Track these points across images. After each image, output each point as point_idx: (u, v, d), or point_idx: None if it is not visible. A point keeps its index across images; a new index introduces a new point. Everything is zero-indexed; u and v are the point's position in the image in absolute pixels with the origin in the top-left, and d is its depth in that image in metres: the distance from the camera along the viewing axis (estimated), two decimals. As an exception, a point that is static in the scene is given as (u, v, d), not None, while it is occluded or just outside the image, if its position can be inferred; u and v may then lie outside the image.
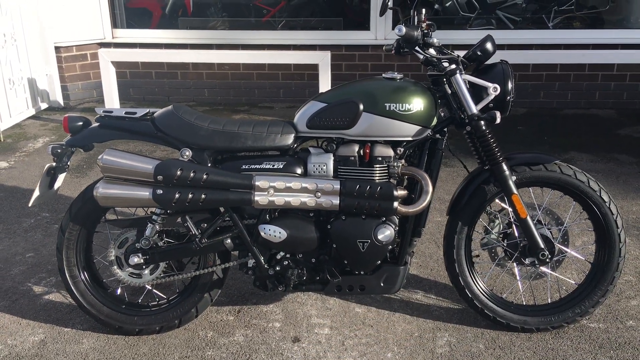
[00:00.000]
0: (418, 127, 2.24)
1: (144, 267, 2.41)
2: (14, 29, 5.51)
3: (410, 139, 2.25)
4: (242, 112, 5.84)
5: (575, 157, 4.51)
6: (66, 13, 5.83)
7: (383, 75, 2.33)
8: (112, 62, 5.21)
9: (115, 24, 6.19)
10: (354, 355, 2.36)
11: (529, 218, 2.33)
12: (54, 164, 2.38)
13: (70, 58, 5.98)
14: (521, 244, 2.40)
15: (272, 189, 2.22)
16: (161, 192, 2.22)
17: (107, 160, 2.25)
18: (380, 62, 5.84)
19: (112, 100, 5.27)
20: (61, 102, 6.02)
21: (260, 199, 2.23)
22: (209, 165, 2.29)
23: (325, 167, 2.26)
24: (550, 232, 2.42)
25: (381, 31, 5.84)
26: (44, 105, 5.97)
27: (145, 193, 2.24)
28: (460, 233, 2.43)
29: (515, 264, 2.48)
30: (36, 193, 2.37)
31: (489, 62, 2.32)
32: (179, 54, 5.47)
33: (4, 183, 4.15)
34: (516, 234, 2.42)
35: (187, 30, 6.32)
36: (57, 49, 5.87)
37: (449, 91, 2.30)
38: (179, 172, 2.21)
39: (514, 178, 2.33)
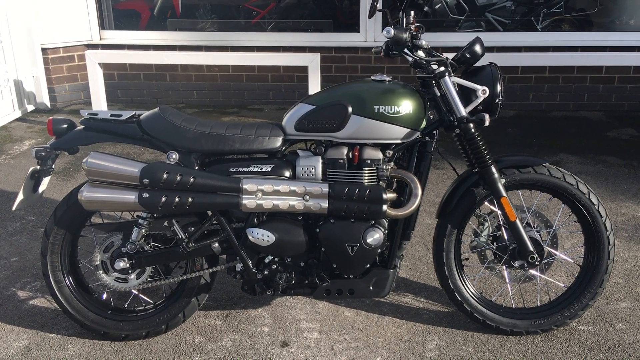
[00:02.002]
0: (407, 130, 2.22)
1: (130, 271, 2.38)
2: (0, 29, 5.45)
3: (399, 141, 2.24)
4: (231, 114, 5.81)
5: (564, 159, 4.53)
6: (53, 14, 5.77)
7: (372, 77, 2.31)
8: (100, 64, 5.17)
9: (103, 26, 6.13)
10: (343, 360, 2.35)
11: (518, 221, 2.33)
12: (38, 167, 2.34)
13: (57, 59, 5.92)
14: (510, 247, 2.40)
15: (260, 192, 2.20)
16: (147, 195, 2.19)
17: (91, 163, 2.22)
18: (370, 64, 5.84)
19: (99, 102, 5.22)
20: (48, 104, 5.95)
21: (248, 202, 2.20)
22: (196, 168, 2.26)
23: (313, 170, 2.24)
24: (540, 234, 2.41)
25: (371, 33, 5.83)
26: (30, 107, 5.90)
27: (131, 197, 2.21)
28: (449, 236, 2.42)
29: (504, 266, 2.47)
30: (20, 197, 2.33)
31: (477, 64, 2.31)
32: (168, 56, 5.43)
33: (-11, 186, 4.10)
34: (505, 237, 2.41)
35: (176, 31, 6.28)
36: (44, 50, 5.81)
37: (438, 93, 2.29)
38: (165, 176, 2.18)
39: (503, 181, 2.32)
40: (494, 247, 2.45)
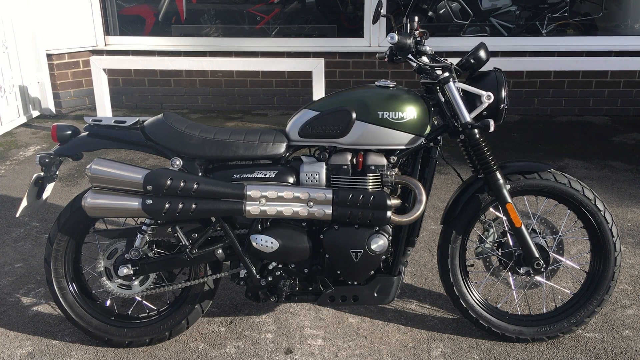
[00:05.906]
0: (411, 136, 2.21)
1: (133, 278, 2.37)
2: (5, 35, 5.47)
3: (403, 147, 2.23)
4: (235, 119, 5.81)
5: (570, 164, 4.50)
6: (58, 20, 5.80)
7: (376, 83, 2.31)
8: (105, 70, 5.18)
9: (107, 31, 6.16)
10: (348, 367, 2.33)
11: (523, 227, 2.31)
12: (42, 173, 2.34)
13: (62, 65, 5.95)
14: (516, 253, 2.38)
15: (264, 199, 2.19)
16: (151, 202, 2.19)
17: (95, 169, 2.22)
18: (374, 70, 5.83)
19: (104, 108, 5.24)
20: (53, 109, 5.97)
21: (251, 208, 2.20)
22: (200, 174, 2.26)
23: (317, 176, 2.23)
24: (545, 241, 2.39)
25: (375, 38, 5.83)
26: (35, 113, 5.92)
27: (134, 203, 2.20)
28: (454, 242, 2.40)
29: (510, 273, 2.45)
30: (24, 203, 2.33)
31: (482, 69, 2.30)
32: (172, 62, 5.43)
33: (-6, 192, 4.11)
34: (511, 243, 2.40)
35: (181, 37, 6.30)
36: (49, 56, 5.84)
37: (443, 99, 2.28)
38: (169, 182, 2.17)
39: (508, 187, 2.31)
40: (499, 254, 2.43)
